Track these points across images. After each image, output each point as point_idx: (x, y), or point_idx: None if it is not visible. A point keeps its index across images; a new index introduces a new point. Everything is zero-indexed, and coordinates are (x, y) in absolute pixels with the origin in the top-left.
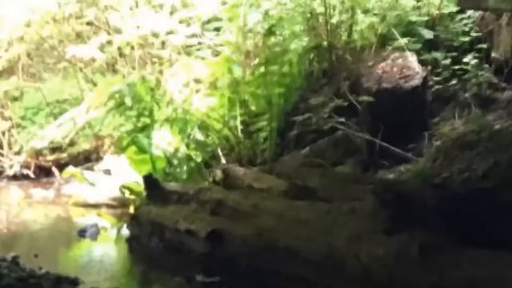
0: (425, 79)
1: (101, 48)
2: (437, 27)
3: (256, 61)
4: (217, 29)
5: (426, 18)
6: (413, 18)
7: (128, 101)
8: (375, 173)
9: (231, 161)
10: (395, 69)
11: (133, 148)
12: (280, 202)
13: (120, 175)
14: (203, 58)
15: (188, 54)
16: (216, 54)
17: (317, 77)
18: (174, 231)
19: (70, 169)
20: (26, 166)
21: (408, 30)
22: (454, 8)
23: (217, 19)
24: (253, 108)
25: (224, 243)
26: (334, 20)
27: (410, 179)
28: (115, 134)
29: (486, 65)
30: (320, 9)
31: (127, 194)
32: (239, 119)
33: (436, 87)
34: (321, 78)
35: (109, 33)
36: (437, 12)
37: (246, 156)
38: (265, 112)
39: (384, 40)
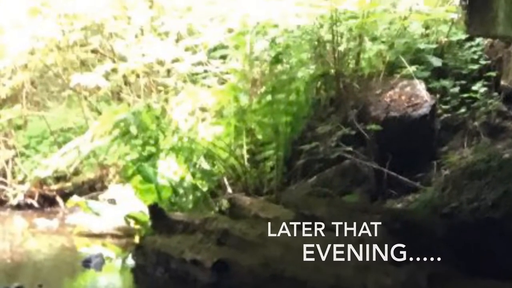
0: (433, 108)
1: (106, 76)
2: (446, 54)
3: (263, 89)
4: (223, 57)
5: (434, 46)
6: (422, 46)
7: (133, 129)
8: (383, 202)
9: (237, 191)
10: (403, 97)
11: (138, 177)
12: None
13: (125, 204)
14: (209, 86)
15: (194, 82)
16: (222, 82)
17: (324, 106)
18: (180, 261)
19: (75, 198)
20: (30, 195)
21: (417, 57)
22: (462, 36)
23: (223, 46)
24: (259, 136)
25: (230, 273)
26: (341, 48)
27: (418, 209)
28: (120, 163)
29: (495, 93)
30: (328, 37)
31: (132, 223)
32: (245, 148)
33: (445, 115)
34: (328, 106)
35: (114, 61)
36: (446, 39)
37: (253, 185)
38: (271, 141)
39: (392, 68)
